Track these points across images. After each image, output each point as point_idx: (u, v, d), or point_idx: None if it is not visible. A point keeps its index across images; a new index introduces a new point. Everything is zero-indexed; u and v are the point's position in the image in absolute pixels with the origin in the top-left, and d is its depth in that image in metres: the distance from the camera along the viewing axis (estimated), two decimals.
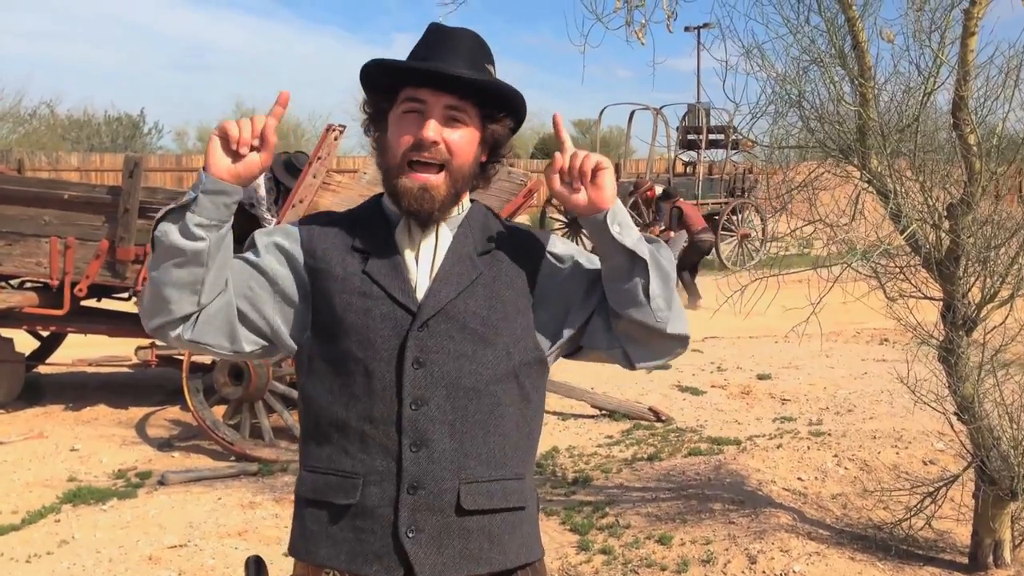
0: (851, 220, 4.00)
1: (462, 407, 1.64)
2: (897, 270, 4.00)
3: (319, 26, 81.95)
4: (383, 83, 1.68)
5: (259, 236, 1.73)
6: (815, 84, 3.68)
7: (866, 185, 3.89)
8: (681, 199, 13.67)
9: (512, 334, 1.69)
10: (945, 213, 3.71)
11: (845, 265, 3.88)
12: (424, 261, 1.69)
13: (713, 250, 16.62)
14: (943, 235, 3.73)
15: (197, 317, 1.61)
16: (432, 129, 1.62)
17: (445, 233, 1.71)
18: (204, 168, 1.56)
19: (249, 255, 1.70)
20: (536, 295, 1.73)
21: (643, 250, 1.61)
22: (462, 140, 1.66)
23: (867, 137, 3.80)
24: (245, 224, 8.05)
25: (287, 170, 7.86)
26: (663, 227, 13.38)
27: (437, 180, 1.64)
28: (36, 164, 22.17)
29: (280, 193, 7.72)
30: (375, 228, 1.72)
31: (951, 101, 3.57)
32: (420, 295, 1.66)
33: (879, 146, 3.74)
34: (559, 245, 1.78)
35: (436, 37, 1.68)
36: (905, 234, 3.63)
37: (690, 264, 13.26)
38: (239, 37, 75.35)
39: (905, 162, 3.79)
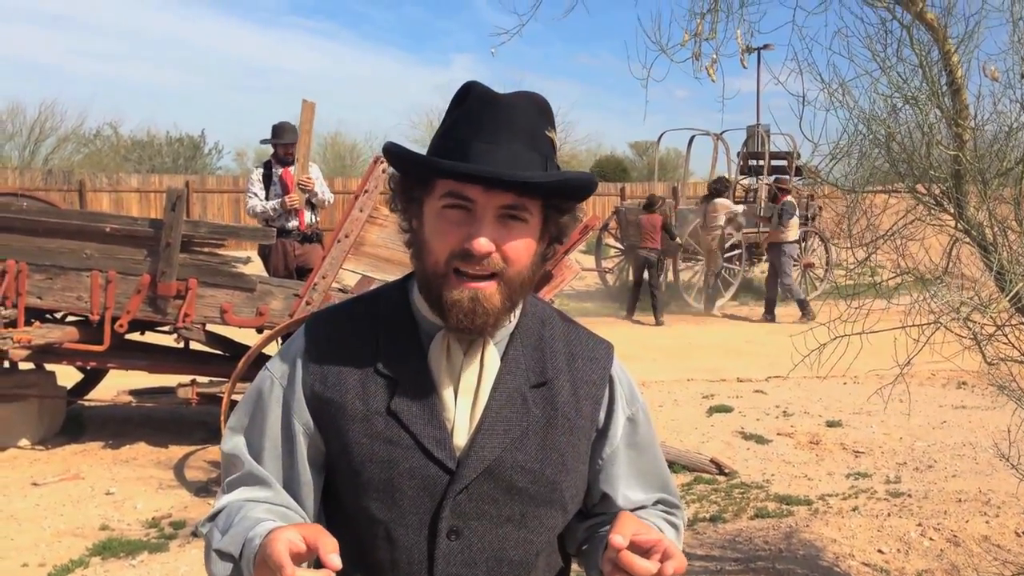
0: (944, 272, 3.61)
1: None
2: (994, 328, 3.59)
3: (380, 47, 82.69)
4: (414, 169, 1.33)
5: (260, 420, 1.37)
6: (907, 125, 3.29)
7: (963, 235, 3.50)
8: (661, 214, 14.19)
9: (572, 486, 1.38)
10: None
11: (938, 324, 3.48)
12: (465, 394, 1.34)
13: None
14: None
15: None
16: (484, 240, 1.26)
17: (492, 356, 1.36)
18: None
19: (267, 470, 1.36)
20: (595, 433, 1.42)
21: None
22: (520, 243, 1.30)
23: (963, 183, 3.41)
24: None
25: (272, 136, 7.95)
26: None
27: (490, 289, 1.29)
28: (97, 185, 22.43)
29: (273, 180, 7.81)
30: (404, 340, 1.37)
31: None
32: (459, 442, 1.32)
33: (978, 193, 3.35)
34: (619, 385, 1.46)
35: (482, 110, 1.29)
36: (1010, 295, 3.22)
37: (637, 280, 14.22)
38: (301, 58, 76.33)
39: (1008, 210, 3.39)
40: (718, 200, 14.66)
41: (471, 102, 1.30)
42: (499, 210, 1.28)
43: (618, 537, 1.19)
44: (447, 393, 1.34)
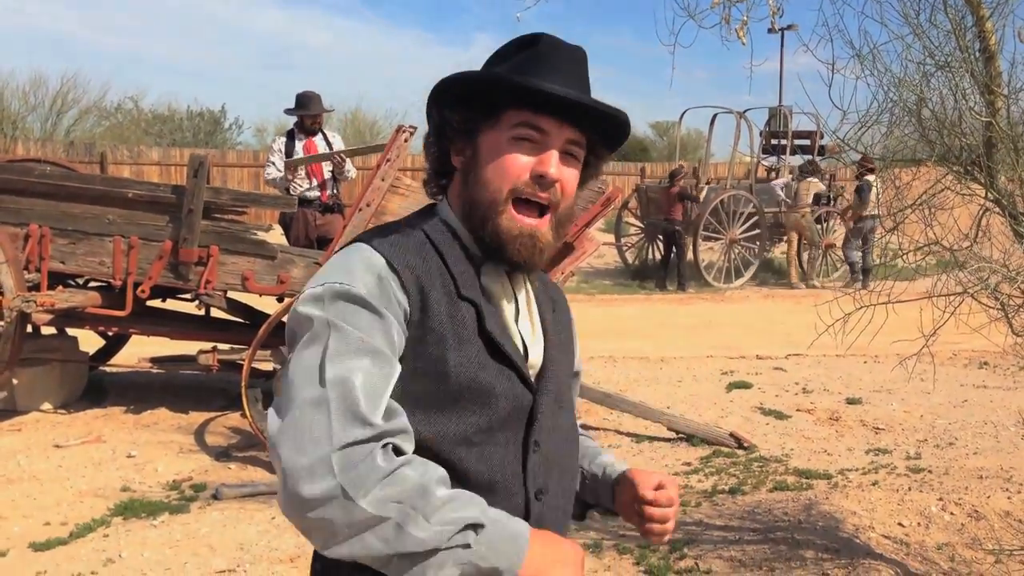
0: (973, 242, 3.56)
1: (567, 489, 1.47)
2: (1023, 298, 3.56)
3: (400, 26, 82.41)
4: (483, 98, 1.34)
5: (362, 323, 1.25)
6: (940, 91, 3.24)
7: (992, 205, 3.45)
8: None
9: (573, 398, 1.59)
10: None
11: (965, 295, 3.45)
12: (522, 318, 1.42)
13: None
14: None
15: None
16: (555, 165, 1.34)
17: (529, 285, 1.46)
18: None
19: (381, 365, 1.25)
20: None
21: None
22: (573, 179, 1.39)
23: (995, 151, 3.37)
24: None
25: (297, 106, 7.80)
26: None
27: (543, 226, 1.36)
28: (118, 157, 22.51)
29: (296, 150, 7.66)
30: (463, 264, 1.37)
31: None
32: (533, 363, 1.41)
33: (1010, 161, 3.30)
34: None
35: (553, 53, 1.35)
36: None
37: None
38: (322, 37, 76.16)
39: None
40: (811, 179, 15.52)
41: (542, 48, 1.35)
42: (565, 143, 1.35)
43: (649, 493, 1.45)
44: (509, 313, 1.40)
